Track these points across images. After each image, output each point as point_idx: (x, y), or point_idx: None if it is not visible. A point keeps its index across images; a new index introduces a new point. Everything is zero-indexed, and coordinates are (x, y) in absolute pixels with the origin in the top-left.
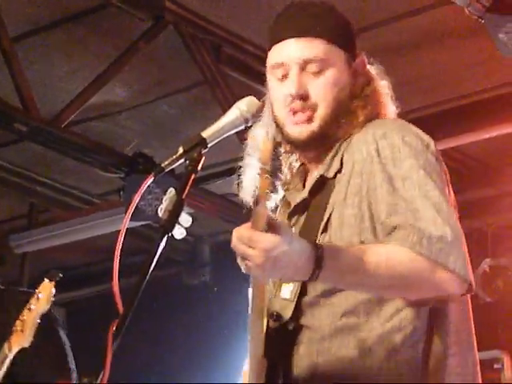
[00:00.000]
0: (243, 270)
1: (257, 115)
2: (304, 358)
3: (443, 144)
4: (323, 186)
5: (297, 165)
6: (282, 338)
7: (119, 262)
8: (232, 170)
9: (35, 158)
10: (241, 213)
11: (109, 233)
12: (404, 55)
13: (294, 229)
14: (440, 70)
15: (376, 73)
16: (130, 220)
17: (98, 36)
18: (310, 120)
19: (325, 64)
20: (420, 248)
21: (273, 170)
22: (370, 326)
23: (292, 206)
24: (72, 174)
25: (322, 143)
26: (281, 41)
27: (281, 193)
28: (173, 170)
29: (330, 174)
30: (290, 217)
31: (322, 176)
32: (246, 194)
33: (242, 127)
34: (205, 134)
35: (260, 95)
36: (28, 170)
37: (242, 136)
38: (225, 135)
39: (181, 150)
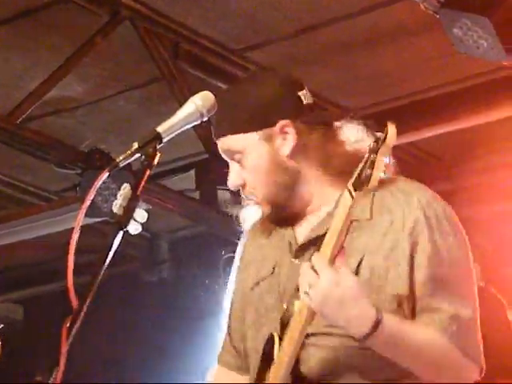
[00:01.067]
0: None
1: (212, 110)
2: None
3: (399, 139)
4: None
5: None
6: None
7: (75, 259)
8: (189, 165)
9: None
10: (198, 209)
11: (66, 229)
12: (360, 51)
13: (297, 262)
14: (396, 65)
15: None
16: (86, 216)
17: (53, 31)
18: (260, 202)
19: (237, 152)
20: (457, 341)
21: None
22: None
23: (298, 239)
24: (28, 170)
25: (284, 212)
26: None
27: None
28: (129, 165)
29: (353, 217)
30: (298, 251)
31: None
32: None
33: (198, 122)
34: (160, 128)
35: (217, 91)
36: None
37: (198, 131)
38: (180, 130)
39: (135, 145)
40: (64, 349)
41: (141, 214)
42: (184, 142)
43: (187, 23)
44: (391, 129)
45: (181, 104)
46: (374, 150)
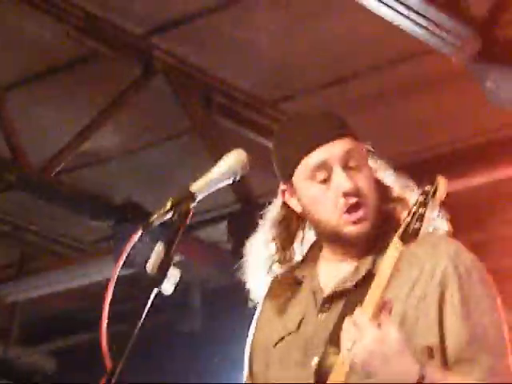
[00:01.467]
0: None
1: (245, 168)
2: None
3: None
4: (367, 281)
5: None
6: None
7: (109, 310)
8: (222, 216)
9: (25, 205)
10: (231, 261)
11: (99, 280)
12: (391, 102)
13: (324, 316)
14: (431, 115)
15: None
16: (121, 268)
17: (86, 84)
18: (366, 217)
19: (361, 159)
20: None
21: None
22: None
23: (324, 292)
24: (62, 221)
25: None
26: (311, 150)
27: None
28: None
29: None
30: (324, 304)
31: (369, 270)
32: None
33: (231, 181)
34: (193, 187)
35: (249, 143)
36: (17, 217)
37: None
38: (213, 188)
39: (169, 204)
40: None
41: (174, 274)
42: (216, 192)
43: (219, 75)
44: (442, 182)
45: (213, 156)
46: (423, 204)
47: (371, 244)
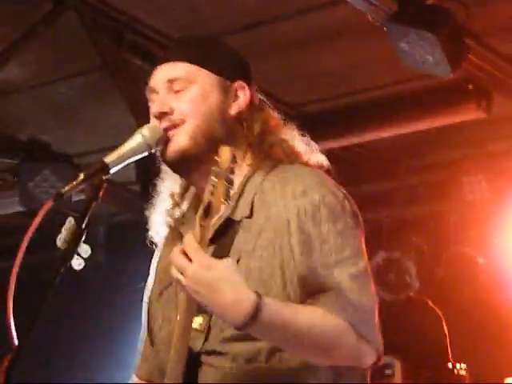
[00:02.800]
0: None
1: (160, 142)
2: None
3: (339, 139)
4: (227, 227)
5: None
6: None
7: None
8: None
9: None
10: (138, 202)
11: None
12: (306, 49)
13: None
14: (341, 64)
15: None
16: (23, 206)
17: None
18: (178, 131)
19: (187, 82)
20: (346, 315)
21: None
22: (273, 372)
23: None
24: None
25: (199, 163)
26: (151, 75)
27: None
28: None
29: (237, 217)
30: None
31: (228, 218)
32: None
33: (146, 154)
34: (107, 159)
35: None
36: None
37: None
38: (128, 161)
39: (81, 176)
40: None
41: (84, 249)
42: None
43: (131, 12)
44: (224, 151)
45: (123, 93)
46: (217, 177)
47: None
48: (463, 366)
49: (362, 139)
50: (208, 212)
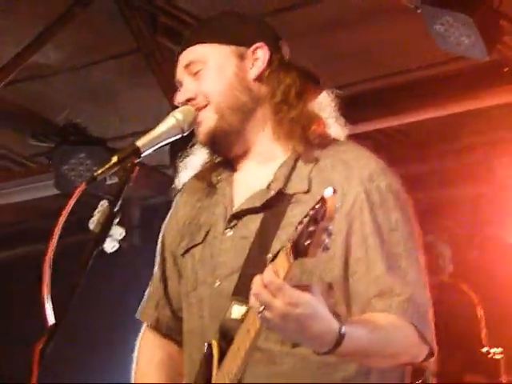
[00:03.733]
0: (258, 318)
1: (193, 124)
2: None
3: (372, 122)
4: (278, 200)
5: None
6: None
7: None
8: None
9: None
10: (171, 185)
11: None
12: (339, 31)
13: (231, 232)
14: (376, 45)
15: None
16: (58, 189)
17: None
18: (205, 113)
19: (201, 63)
20: (416, 322)
21: None
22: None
23: (230, 208)
24: (2, 134)
25: (236, 136)
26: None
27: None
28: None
29: (290, 191)
30: (231, 220)
31: (279, 190)
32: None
33: (178, 136)
34: (139, 142)
35: None
36: None
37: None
38: (160, 144)
39: (114, 159)
40: (36, 370)
41: (118, 231)
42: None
43: None
44: (331, 200)
45: (157, 77)
46: (314, 221)
47: (249, 143)
48: (498, 350)
49: (395, 122)
50: (296, 251)
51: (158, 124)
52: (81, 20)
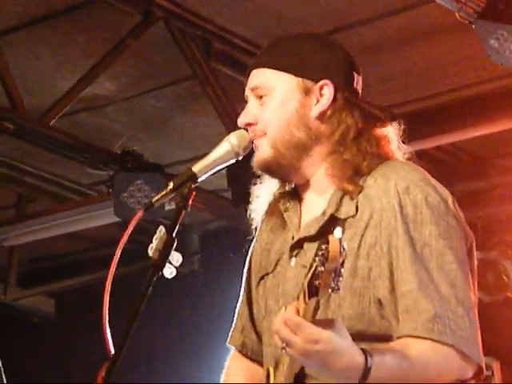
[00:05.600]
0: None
1: (247, 148)
2: None
3: (430, 140)
4: (331, 226)
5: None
6: None
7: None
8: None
9: (22, 147)
10: (229, 208)
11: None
12: (392, 51)
13: (294, 261)
14: (430, 64)
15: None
16: (118, 217)
17: (85, 31)
18: (261, 142)
19: (267, 90)
20: (447, 339)
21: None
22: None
23: (294, 237)
24: (60, 163)
25: (289, 169)
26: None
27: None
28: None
29: (342, 216)
30: (293, 248)
31: (332, 215)
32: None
33: (233, 161)
34: (195, 168)
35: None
36: (15, 159)
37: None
38: (216, 169)
39: (171, 186)
40: None
41: (176, 258)
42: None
43: (219, 22)
44: (333, 242)
45: (213, 102)
46: (321, 263)
47: (302, 174)
48: None
49: (454, 139)
50: (311, 293)
51: (213, 149)
52: (133, 50)
